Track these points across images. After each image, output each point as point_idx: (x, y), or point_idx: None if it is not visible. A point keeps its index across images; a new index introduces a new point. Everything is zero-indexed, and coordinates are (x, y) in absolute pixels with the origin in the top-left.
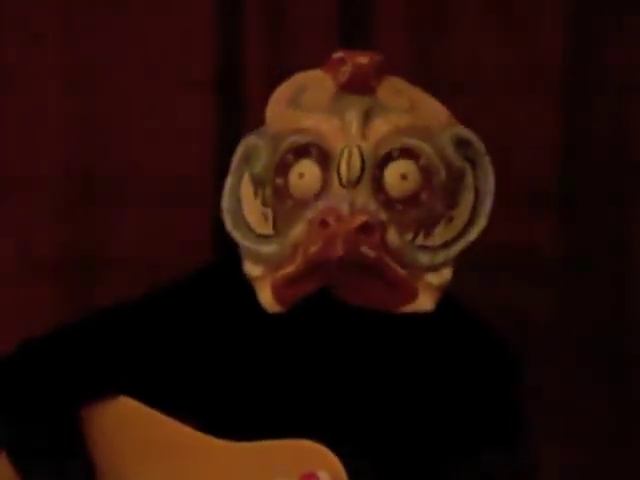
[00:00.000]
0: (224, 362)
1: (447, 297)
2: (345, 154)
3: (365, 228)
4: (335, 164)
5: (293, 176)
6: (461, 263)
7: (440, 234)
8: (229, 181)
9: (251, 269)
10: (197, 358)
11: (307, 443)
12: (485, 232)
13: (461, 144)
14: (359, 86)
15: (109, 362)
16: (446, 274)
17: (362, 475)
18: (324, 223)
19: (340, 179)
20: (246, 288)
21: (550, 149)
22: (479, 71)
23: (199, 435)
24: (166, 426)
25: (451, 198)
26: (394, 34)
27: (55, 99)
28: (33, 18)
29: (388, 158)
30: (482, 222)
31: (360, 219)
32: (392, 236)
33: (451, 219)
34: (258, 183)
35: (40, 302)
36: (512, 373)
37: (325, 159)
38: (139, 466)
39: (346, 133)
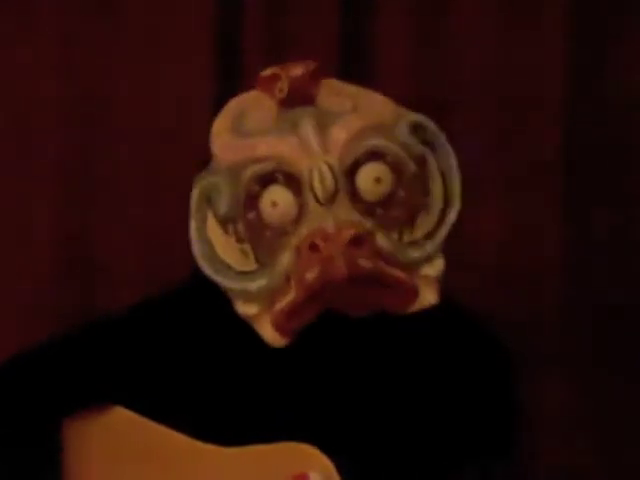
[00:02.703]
0: (216, 370)
1: (446, 299)
2: (315, 173)
3: (355, 241)
4: (306, 185)
5: (264, 206)
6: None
7: (422, 225)
8: (193, 226)
9: (245, 308)
10: (188, 366)
11: (298, 445)
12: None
13: (416, 129)
14: (300, 98)
15: (99, 371)
16: (439, 264)
17: (355, 476)
18: (313, 247)
19: (316, 198)
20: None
21: None
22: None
23: (190, 441)
24: (158, 433)
25: (423, 186)
26: (396, 37)
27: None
28: None
29: (356, 165)
30: (457, 204)
31: (348, 233)
32: (381, 241)
33: (428, 208)
34: (227, 220)
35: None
36: (510, 374)
37: (294, 182)
38: (132, 474)
39: (307, 151)
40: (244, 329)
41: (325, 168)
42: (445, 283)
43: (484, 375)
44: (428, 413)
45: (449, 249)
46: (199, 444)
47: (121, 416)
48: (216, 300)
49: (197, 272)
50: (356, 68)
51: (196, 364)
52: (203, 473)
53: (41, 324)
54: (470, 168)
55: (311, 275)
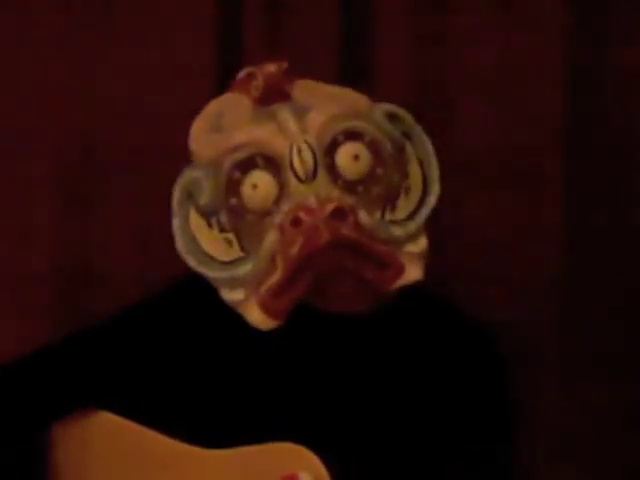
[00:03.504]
0: (205, 372)
1: (428, 293)
2: (294, 150)
3: (337, 213)
4: (285, 165)
5: (246, 190)
6: None
7: (404, 206)
8: (175, 223)
9: (231, 295)
10: (176, 369)
11: (288, 445)
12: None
13: (392, 119)
14: (275, 95)
15: (87, 376)
16: (423, 242)
17: (345, 476)
18: (296, 221)
19: (297, 176)
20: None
21: None
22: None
23: (178, 444)
24: (145, 437)
25: (402, 169)
26: (396, 37)
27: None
28: None
29: (335, 144)
30: (436, 188)
31: (331, 206)
32: (363, 217)
33: (408, 190)
34: (209, 213)
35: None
36: (499, 367)
37: (273, 164)
38: (120, 477)
39: (285, 132)
40: (233, 330)
41: (304, 146)
42: (445, 284)
43: (473, 368)
44: (417, 409)
45: (449, 250)
46: (187, 447)
47: (108, 420)
48: (203, 303)
49: (186, 275)
50: (356, 67)
51: (184, 367)
52: (192, 476)
53: (41, 324)
54: (470, 166)
55: (295, 248)
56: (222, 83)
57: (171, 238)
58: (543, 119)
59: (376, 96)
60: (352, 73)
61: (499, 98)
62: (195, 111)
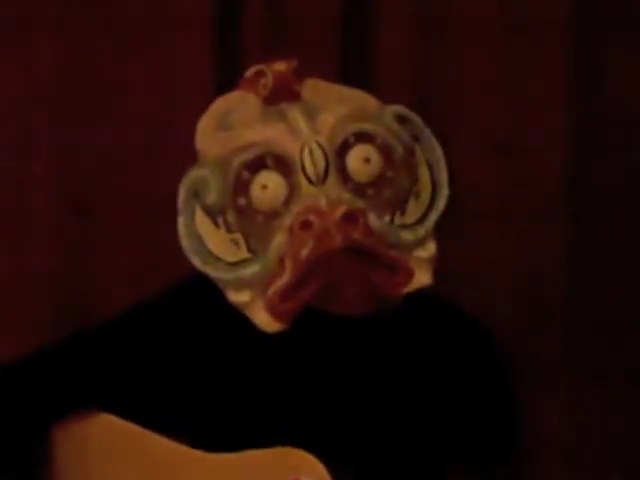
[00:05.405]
0: (209, 375)
1: (433, 296)
2: (306, 152)
3: (348, 217)
4: (296, 166)
5: (255, 191)
6: None
7: (413, 211)
8: (181, 222)
9: (237, 296)
10: (180, 372)
11: (291, 450)
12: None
13: (402, 121)
14: (284, 94)
15: (88, 377)
16: (432, 247)
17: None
18: (306, 223)
19: (308, 178)
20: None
21: None
22: None
23: (181, 447)
24: (147, 440)
25: (411, 173)
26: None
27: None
28: None
29: (346, 146)
30: (445, 191)
31: (341, 209)
32: (373, 221)
33: (418, 194)
34: (216, 212)
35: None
36: (503, 370)
37: (283, 165)
38: None
39: (296, 133)
40: (238, 332)
41: (315, 146)
42: (445, 287)
43: (476, 372)
44: (422, 414)
45: (450, 253)
46: (190, 450)
47: (109, 422)
48: (208, 304)
49: (190, 275)
50: (356, 55)
51: (187, 368)
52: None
53: (41, 324)
54: (470, 169)
55: (305, 251)
56: (222, 83)
57: (175, 241)
58: (545, 122)
59: (377, 93)
60: (352, 60)
61: (499, 100)
62: (195, 111)
